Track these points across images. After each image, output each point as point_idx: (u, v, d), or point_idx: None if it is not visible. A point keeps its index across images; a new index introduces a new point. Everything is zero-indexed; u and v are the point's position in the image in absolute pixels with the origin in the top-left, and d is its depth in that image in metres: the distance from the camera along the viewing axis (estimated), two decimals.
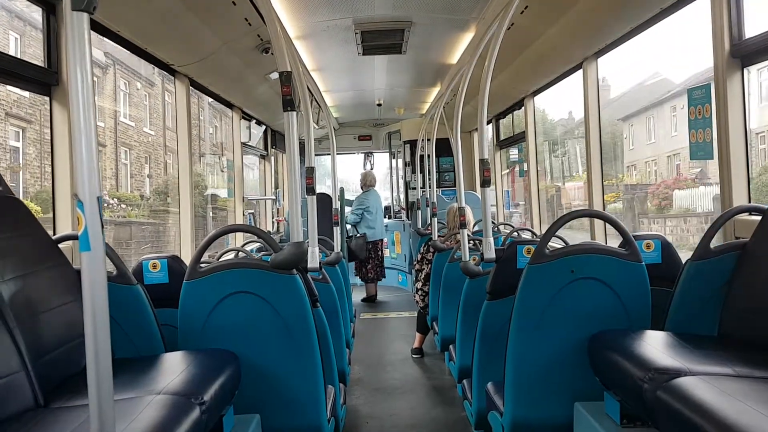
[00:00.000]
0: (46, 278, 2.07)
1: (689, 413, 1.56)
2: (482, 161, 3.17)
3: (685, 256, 2.46)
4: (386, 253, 9.32)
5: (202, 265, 2.51)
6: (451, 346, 4.33)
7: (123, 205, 15.33)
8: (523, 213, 7.78)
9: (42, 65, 2.93)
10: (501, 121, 7.35)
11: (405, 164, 9.67)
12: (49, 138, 2.99)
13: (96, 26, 3.13)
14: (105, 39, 3.35)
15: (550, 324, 2.49)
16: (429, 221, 6.36)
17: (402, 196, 10.02)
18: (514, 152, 7.63)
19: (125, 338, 2.40)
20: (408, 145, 9.43)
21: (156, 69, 4.35)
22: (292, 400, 2.50)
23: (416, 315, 5.77)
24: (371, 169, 10.15)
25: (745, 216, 2.57)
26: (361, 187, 8.61)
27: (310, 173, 3.51)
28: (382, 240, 8.55)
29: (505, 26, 3.01)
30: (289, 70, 2.56)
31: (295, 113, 2.62)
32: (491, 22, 3.42)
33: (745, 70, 2.78)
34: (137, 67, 17.27)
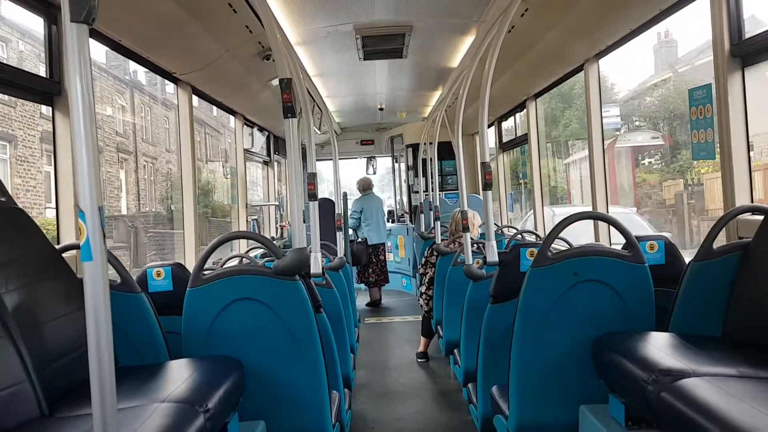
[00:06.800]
0: (50, 288, 2.07)
1: (694, 414, 1.56)
2: (483, 164, 3.17)
3: None
4: (389, 257, 9.32)
5: (205, 272, 2.52)
6: (455, 350, 4.32)
7: None
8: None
9: (44, 75, 2.94)
10: (503, 123, 7.35)
11: (407, 168, 9.69)
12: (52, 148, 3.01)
13: (97, 34, 3.14)
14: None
15: (553, 327, 2.49)
16: (432, 225, 6.36)
17: (405, 200, 10.03)
18: None
19: (129, 346, 2.41)
20: (410, 149, 9.45)
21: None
22: (296, 406, 2.50)
23: (421, 319, 5.77)
24: (373, 173, 10.20)
25: (747, 216, 2.56)
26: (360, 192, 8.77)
27: (312, 179, 3.52)
28: (383, 244, 8.57)
29: (505, 29, 3.02)
30: (289, 77, 2.56)
31: (295, 120, 2.63)
32: (491, 25, 3.43)
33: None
34: None
